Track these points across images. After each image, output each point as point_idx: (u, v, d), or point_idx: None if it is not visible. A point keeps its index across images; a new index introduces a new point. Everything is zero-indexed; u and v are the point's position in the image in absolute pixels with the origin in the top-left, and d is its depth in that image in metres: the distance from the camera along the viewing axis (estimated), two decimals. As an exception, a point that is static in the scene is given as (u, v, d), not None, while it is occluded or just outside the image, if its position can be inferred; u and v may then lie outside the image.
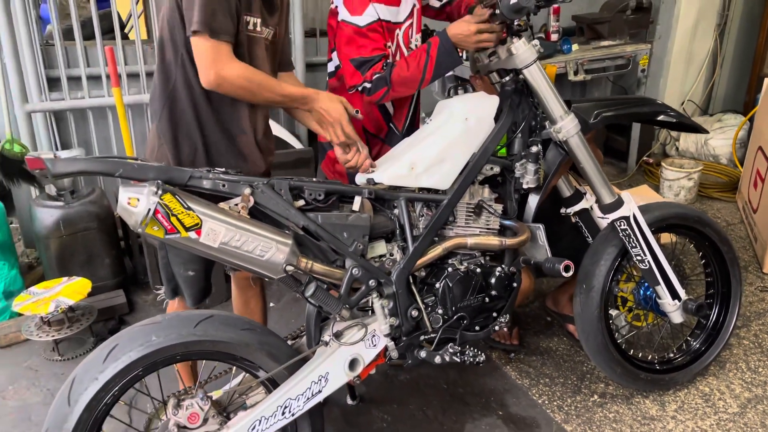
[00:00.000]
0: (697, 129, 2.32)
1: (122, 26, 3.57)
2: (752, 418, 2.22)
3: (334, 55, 2.17)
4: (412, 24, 2.19)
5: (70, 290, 2.63)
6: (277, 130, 3.33)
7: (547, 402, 2.34)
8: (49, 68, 3.17)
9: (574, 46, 3.90)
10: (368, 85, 2.04)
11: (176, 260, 1.90)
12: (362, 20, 2.01)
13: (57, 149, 3.18)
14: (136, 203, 1.49)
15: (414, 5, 2.19)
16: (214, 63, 1.64)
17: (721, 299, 2.41)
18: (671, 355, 2.40)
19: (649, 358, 2.36)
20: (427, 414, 2.30)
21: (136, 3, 3.42)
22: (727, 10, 4.51)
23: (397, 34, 2.14)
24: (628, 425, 2.21)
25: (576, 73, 3.82)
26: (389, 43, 2.11)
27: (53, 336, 2.58)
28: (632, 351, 2.36)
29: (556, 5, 3.86)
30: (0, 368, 2.59)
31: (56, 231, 2.81)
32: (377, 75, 2.02)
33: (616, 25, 4.03)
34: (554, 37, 4.01)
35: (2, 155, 2.83)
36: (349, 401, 2.34)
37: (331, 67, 2.22)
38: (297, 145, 3.37)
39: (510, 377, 2.48)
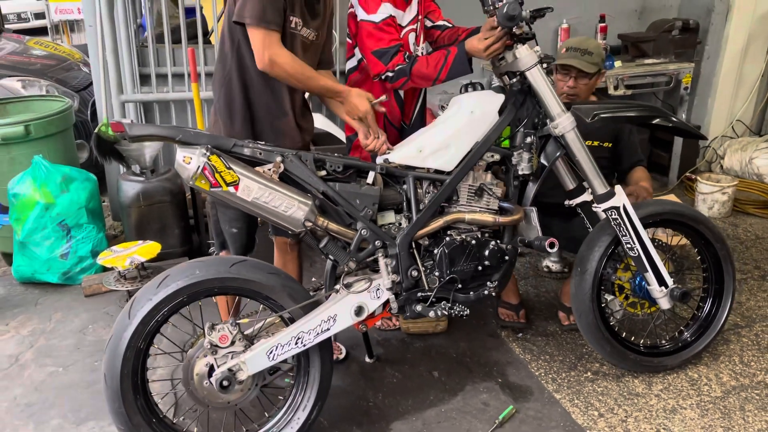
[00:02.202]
0: (695, 135, 2.53)
1: (206, 33, 4.09)
2: (732, 402, 2.39)
3: (356, 51, 2.54)
4: (414, 31, 2.54)
5: (143, 250, 3.11)
6: (332, 128, 3.73)
7: (543, 374, 2.59)
8: (142, 66, 3.70)
9: (617, 63, 4.11)
10: (390, 74, 2.40)
11: (224, 218, 2.31)
12: (377, 17, 2.38)
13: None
14: (189, 161, 1.90)
15: (417, 15, 2.55)
16: (267, 48, 2.01)
17: (714, 293, 2.58)
18: (662, 341, 2.60)
19: (640, 342, 2.56)
20: (434, 375, 2.59)
21: (218, 19, 3.92)
22: (781, 33, 4.58)
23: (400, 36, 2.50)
24: (613, 398, 2.43)
25: (616, 88, 4.03)
26: (412, 27, 2.50)
27: (127, 287, 3.06)
28: (632, 338, 2.57)
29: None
30: (84, 312, 3.09)
31: (136, 202, 3.32)
32: (400, 66, 2.37)
33: (661, 44, 4.21)
34: (600, 54, 4.24)
35: (98, 136, 3.36)
36: (367, 359, 2.66)
37: (353, 63, 2.58)
38: (342, 135, 3.74)
39: (514, 352, 2.74)
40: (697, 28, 4.33)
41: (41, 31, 10.11)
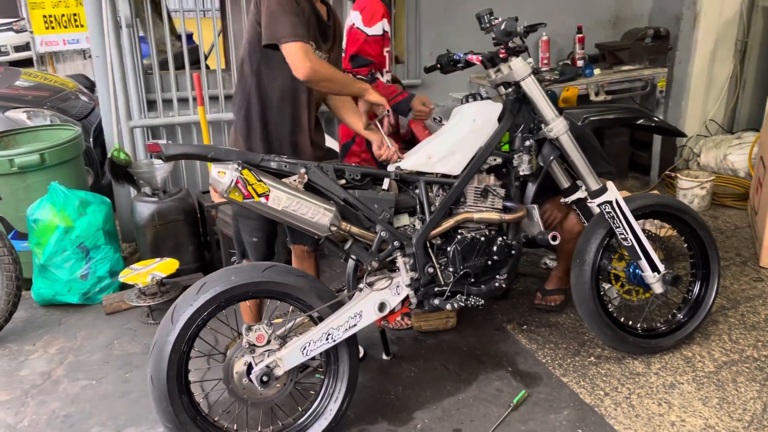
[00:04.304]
0: (676, 133, 2.76)
1: (204, 56, 4.26)
2: (725, 376, 2.60)
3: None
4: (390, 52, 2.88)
5: (162, 267, 3.26)
6: (332, 143, 3.92)
7: (550, 361, 2.78)
8: (148, 92, 3.87)
9: (596, 71, 4.36)
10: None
11: (245, 229, 2.48)
12: (371, 31, 2.69)
13: (151, 158, 3.86)
14: (223, 175, 2.07)
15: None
16: (306, 58, 2.15)
17: (702, 277, 2.80)
18: (658, 324, 2.81)
19: (638, 326, 2.76)
20: (448, 368, 2.77)
21: (211, 46, 4.12)
22: (746, 37, 4.89)
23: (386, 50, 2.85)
24: (617, 379, 2.63)
25: (597, 94, 4.28)
26: (387, 49, 2.85)
27: (149, 303, 3.20)
28: (630, 321, 2.77)
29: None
30: (107, 329, 3.22)
31: (151, 221, 3.48)
32: (360, 77, 2.72)
33: (635, 51, 4.49)
34: (580, 62, 4.50)
35: (112, 161, 3.53)
36: (384, 357, 2.83)
37: None
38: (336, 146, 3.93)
39: (521, 343, 2.93)
40: (667, 35, 4.60)
41: (22, 64, 10.22)
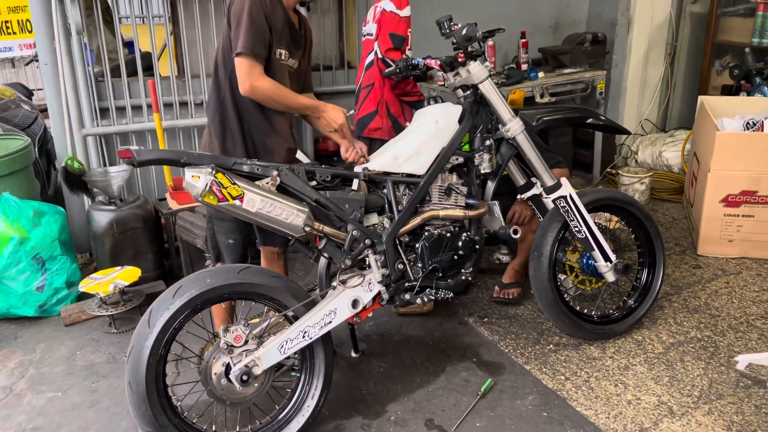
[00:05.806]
0: (620, 130, 2.95)
1: (150, 66, 4.22)
2: (673, 356, 2.79)
3: (375, 45, 3.05)
4: None
5: (124, 275, 3.23)
6: (302, 157, 3.97)
7: (512, 351, 2.91)
8: (100, 100, 3.81)
9: (540, 74, 4.56)
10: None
11: (220, 230, 2.51)
12: (403, 12, 2.95)
13: (106, 166, 3.80)
14: (198, 179, 2.10)
15: None
16: (249, 76, 2.26)
17: (649, 265, 3.00)
18: (610, 311, 2.98)
19: (593, 313, 2.93)
20: (416, 362, 2.86)
21: (160, 54, 4.06)
22: (675, 41, 5.21)
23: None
24: (575, 364, 2.78)
25: (542, 96, 4.47)
26: (410, 29, 3.09)
27: (111, 312, 3.16)
28: (584, 310, 2.93)
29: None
30: (68, 340, 3.16)
31: (110, 230, 3.43)
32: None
33: (576, 55, 4.71)
34: (524, 66, 4.69)
35: (66, 170, 3.47)
36: (353, 354, 2.89)
37: (371, 57, 3.10)
38: (305, 160, 3.99)
39: (483, 335, 3.05)
40: (605, 39, 4.86)
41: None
